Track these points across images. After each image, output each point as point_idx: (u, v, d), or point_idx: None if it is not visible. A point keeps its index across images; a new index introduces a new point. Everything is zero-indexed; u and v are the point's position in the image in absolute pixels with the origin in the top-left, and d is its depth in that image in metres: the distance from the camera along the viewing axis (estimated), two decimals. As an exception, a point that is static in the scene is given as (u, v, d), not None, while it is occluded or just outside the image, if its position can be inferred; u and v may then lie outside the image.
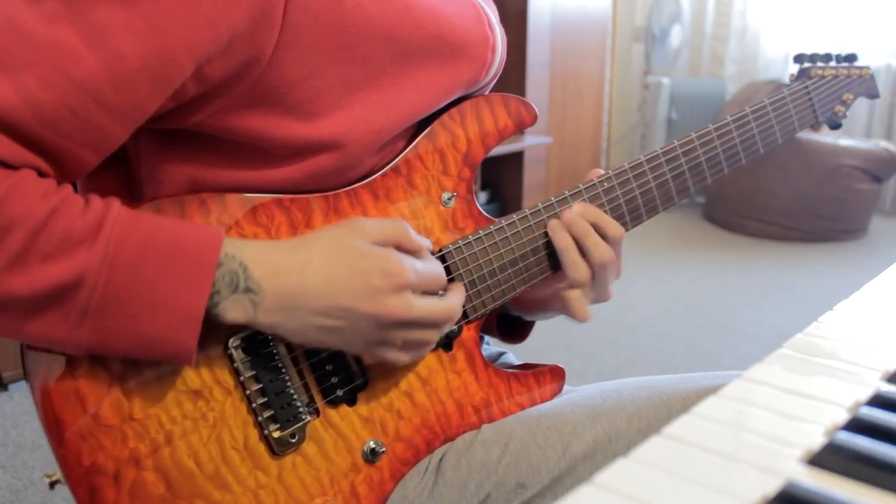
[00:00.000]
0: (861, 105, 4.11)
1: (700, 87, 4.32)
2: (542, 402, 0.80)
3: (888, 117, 4.11)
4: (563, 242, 0.74)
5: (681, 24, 4.42)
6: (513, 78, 3.17)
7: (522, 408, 0.79)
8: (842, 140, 3.60)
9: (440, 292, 0.69)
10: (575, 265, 0.74)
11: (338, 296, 0.61)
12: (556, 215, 0.77)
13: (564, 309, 0.77)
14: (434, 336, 0.67)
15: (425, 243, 0.68)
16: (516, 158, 3.17)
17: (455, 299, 0.68)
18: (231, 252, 0.60)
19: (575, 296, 0.76)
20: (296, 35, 0.61)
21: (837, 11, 4.04)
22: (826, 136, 3.56)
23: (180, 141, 0.67)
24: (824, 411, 0.45)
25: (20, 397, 2.02)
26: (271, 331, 0.63)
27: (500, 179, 3.36)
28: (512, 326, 0.90)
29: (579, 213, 0.75)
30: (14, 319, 0.56)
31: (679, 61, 4.56)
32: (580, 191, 0.78)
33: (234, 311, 0.60)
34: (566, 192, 0.78)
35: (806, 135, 3.51)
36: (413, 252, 0.66)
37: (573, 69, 3.59)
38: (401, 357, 0.67)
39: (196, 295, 0.58)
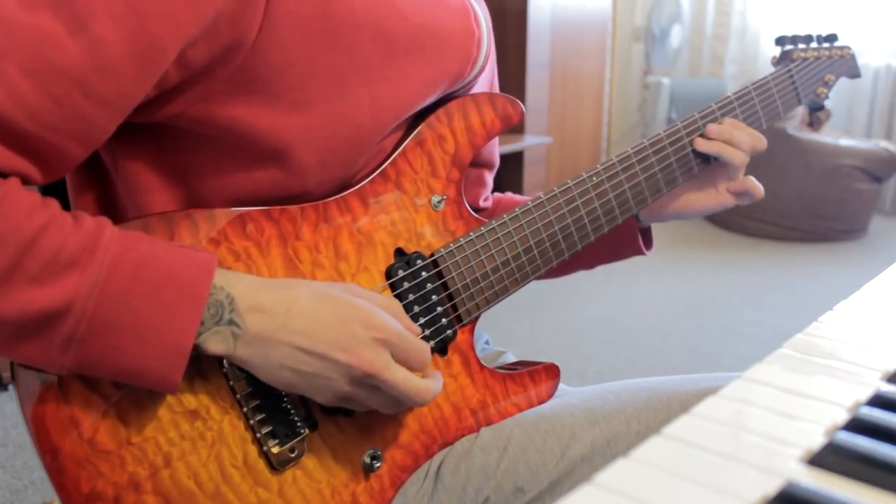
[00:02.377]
0: (861, 105, 4.10)
1: (700, 87, 4.32)
2: (539, 401, 0.80)
3: (888, 117, 4.10)
4: (714, 148, 0.86)
5: (681, 24, 4.42)
6: (513, 78, 3.17)
7: (520, 408, 0.78)
8: (842, 140, 3.60)
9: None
10: (734, 155, 0.87)
11: (318, 340, 0.60)
12: (546, 213, 0.77)
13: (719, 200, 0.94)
14: (393, 409, 0.66)
15: (415, 328, 0.67)
16: (516, 158, 3.16)
17: (434, 384, 0.65)
18: (220, 284, 0.59)
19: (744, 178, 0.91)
20: (279, 19, 0.60)
21: (837, 11, 4.04)
22: (826, 136, 3.55)
23: (162, 144, 0.66)
24: (824, 411, 0.45)
25: (20, 397, 2.02)
26: (245, 365, 0.61)
27: (499, 179, 3.33)
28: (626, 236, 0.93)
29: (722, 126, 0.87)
30: None
31: (679, 61, 4.56)
32: (569, 187, 0.79)
33: (214, 342, 0.58)
34: (555, 188, 0.78)
35: (806, 135, 3.51)
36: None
37: (573, 69, 3.59)
38: (358, 407, 0.66)
39: (184, 330, 0.56)
